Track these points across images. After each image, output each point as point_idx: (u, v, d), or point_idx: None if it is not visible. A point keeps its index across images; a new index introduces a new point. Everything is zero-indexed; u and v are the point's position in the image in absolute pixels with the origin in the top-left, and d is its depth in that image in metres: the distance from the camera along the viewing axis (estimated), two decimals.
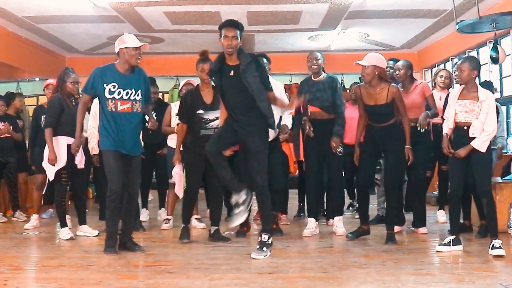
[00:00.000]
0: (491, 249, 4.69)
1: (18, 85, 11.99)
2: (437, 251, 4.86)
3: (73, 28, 8.73)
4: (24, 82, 11.86)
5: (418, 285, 3.76)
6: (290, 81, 11.57)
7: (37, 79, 11.26)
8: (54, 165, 5.56)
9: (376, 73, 5.19)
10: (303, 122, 5.69)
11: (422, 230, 5.75)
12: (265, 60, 5.79)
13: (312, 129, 5.60)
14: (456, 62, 6.48)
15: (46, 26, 8.50)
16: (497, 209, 5.70)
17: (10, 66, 9.26)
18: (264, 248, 4.67)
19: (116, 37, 9.21)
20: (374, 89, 5.25)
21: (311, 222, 5.81)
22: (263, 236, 4.72)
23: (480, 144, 4.86)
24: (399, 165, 5.28)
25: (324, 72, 5.79)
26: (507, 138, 8.09)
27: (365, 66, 5.19)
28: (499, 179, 6.08)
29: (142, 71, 5.04)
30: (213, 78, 4.94)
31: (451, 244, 4.87)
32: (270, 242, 4.72)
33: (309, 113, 5.73)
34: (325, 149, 5.66)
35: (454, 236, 4.92)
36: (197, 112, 5.42)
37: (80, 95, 5.91)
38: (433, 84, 6.45)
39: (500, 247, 4.65)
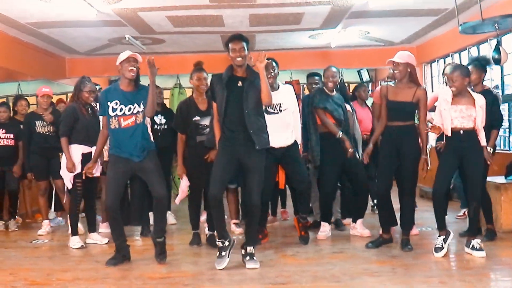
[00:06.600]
0: (471, 249, 4.83)
1: (19, 86, 11.96)
2: (436, 257, 4.86)
3: (74, 32, 8.68)
4: (25, 82, 11.78)
5: None
6: (291, 78, 11.56)
7: None
8: (73, 172, 5.63)
9: (408, 70, 5.16)
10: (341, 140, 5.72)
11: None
12: (274, 63, 5.68)
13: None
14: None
15: (47, 31, 8.47)
16: (502, 210, 5.88)
17: (10, 70, 9.23)
18: (254, 258, 4.74)
19: (117, 39, 9.35)
20: (402, 87, 5.19)
21: (325, 226, 5.92)
22: (248, 248, 4.77)
23: (485, 142, 5.01)
24: (416, 170, 5.21)
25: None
26: (509, 136, 8.16)
27: (398, 63, 5.12)
28: (503, 179, 6.13)
29: (146, 88, 4.90)
30: (219, 87, 4.72)
31: (444, 243, 4.91)
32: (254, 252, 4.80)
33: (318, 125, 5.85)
34: (342, 157, 5.73)
35: (444, 236, 4.94)
36: (193, 119, 5.49)
37: (96, 105, 5.88)
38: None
39: (481, 249, 4.78)
